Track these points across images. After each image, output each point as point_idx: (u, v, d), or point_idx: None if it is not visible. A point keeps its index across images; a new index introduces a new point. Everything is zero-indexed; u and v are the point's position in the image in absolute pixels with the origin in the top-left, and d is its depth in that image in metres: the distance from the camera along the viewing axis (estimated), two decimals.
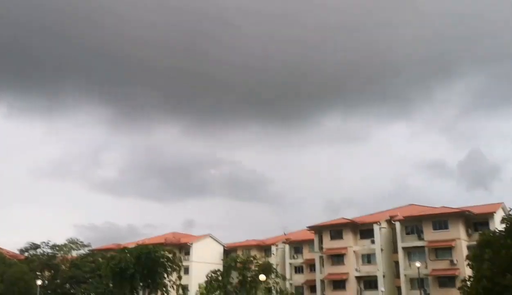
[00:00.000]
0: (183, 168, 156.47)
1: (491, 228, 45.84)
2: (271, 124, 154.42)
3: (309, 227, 65.65)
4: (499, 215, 46.31)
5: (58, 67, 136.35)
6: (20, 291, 49.38)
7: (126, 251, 49.18)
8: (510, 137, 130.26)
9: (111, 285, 49.82)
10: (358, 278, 59.95)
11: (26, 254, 69.11)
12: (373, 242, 59.75)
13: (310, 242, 67.57)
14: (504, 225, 21.44)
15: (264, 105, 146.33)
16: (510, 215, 21.49)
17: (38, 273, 62.23)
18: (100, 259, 64.07)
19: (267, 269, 52.97)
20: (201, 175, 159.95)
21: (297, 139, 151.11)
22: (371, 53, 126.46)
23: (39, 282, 34.71)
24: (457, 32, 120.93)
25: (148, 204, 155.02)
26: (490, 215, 54.02)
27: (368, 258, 60.58)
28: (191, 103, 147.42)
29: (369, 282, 59.29)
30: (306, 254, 69.17)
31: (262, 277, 44.42)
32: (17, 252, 71.21)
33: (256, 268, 52.58)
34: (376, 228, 59.84)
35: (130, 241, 76.73)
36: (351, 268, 60.00)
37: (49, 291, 61.29)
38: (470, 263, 21.71)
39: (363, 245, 60.84)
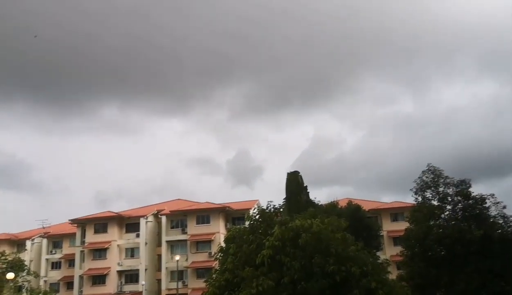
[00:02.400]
0: None
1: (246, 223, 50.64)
2: (41, 106, 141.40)
3: (71, 220, 61.98)
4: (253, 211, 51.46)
5: None
6: None
7: None
8: (272, 142, 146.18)
9: None
10: (120, 272, 59.23)
11: None
12: (138, 235, 59.81)
13: (72, 236, 63.93)
14: (248, 222, 23.59)
15: (34, 86, 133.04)
16: (253, 213, 23.78)
17: None
18: None
19: (17, 265, 47.99)
20: None
21: (69, 126, 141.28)
22: (152, 44, 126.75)
23: None
24: (240, 37, 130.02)
25: None
26: (247, 211, 59.33)
27: (132, 252, 60.34)
28: None
29: (131, 275, 59.08)
30: (66, 249, 65.18)
31: (10, 275, 39.92)
32: None
33: (4, 266, 47.19)
34: (142, 221, 60.03)
35: None
36: (114, 262, 58.91)
37: None
38: (218, 256, 23.26)
39: (128, 239, 60.40)
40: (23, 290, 54.13)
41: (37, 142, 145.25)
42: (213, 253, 56.03)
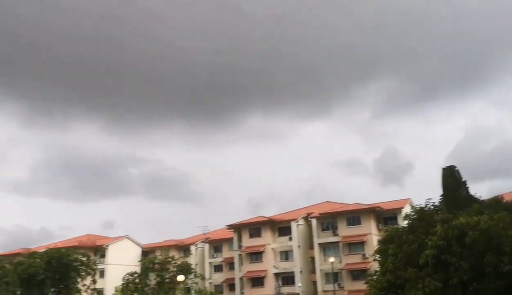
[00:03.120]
0: (101, 167, 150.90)
1: (399, 222, 48.91)
2: (194, 122, 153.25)
3: (228, 225, 66.09)
4: (407, 210, 49.48)
5: None
6: None
7: (36, 255, 46.55)
8: (420, 137, 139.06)
9: (18, 292, 46.92)
10: (276, 275, 61.30)
11: None
12: (290, 239, 61.36)
13: (229, 241, 68.07)
14: (406, 221, 22.87)
15: (187, 103, 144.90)
16: (411, 212, 22.99)
17: None
18: (6, 265, 60.12)
19: (185, 269, 52.63)
20: (120, 174, 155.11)
21: (220, 137, 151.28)
22: (295, 51, 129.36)
23: None
24: (377, 33, 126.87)
25: (63, 205, 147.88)
26: (398, 210, 57.35)
27: (286, 255, 62.10)
28: (111, 99, 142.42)
29: (287, 278, 60.81)
30: (226, 253, 69.59)
31: (180, 277, 43.96)
32: None
33: (175, 269, 51.99)
34: (293, 225, 61.50)
35: (42, 244, 72.77)
36: (270, 265, 61.21)
37: None
38: (376, 257, 22.94)
39: (281, 242, 62.29)
40: (192, 291, 59.15)
41: (194, 156, 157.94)
42: (366, 255, 55.30)
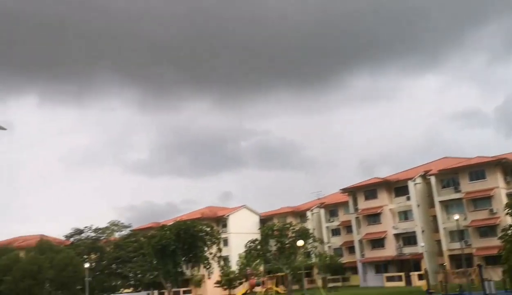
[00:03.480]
0: (213, 142, 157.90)
1: None
2: (298, 89, 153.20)
3: (342, 189, 65.75)
4: None
5: (86, 52, 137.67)
6: (69, 275, 51.48)
7: (165, 228, 50.39)
8: None
9: (154, 262, 51.37)
10: (397, 235, 59.97)
11: (71, 239, 71.75)
12: (408, 198, 59.42)
13: (345, 204, 67.81)
14: None
15: (290, 70, 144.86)
16: None
17: (85, 256, 64.70)
18: (142, 238, 66.00)
19: (304, 234, 53.41)
20: (232, 147, 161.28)
21: (326, 102, 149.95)
22: (396, 2, 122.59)
23: (86, 265, 36.16)
24: None
25: (183, 181, 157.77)
26: None
27: (405, 215, 60.41)
28: (217, 76, 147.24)
29: (408, 238, 59.24)
30: (342, 216, 69.60)
31: (300, 242, 44.88)
32: (63, 239, 74.00)
33: (293, 234, 53.04)
34: (410, 184, 59.38)
35: (169, 218, 78.70)
36: (389, 226, 60.04)
37: (97, 273, 63.71)
38: (509, 211, 21.32)
39: (399, 203, 60.59)
40: (312, 255, 60.22)
41: (302, 123, 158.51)
42: (494, 210, 51.82)
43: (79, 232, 71.68)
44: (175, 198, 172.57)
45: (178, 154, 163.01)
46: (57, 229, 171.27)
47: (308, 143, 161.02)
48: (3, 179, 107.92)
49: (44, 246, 55.94)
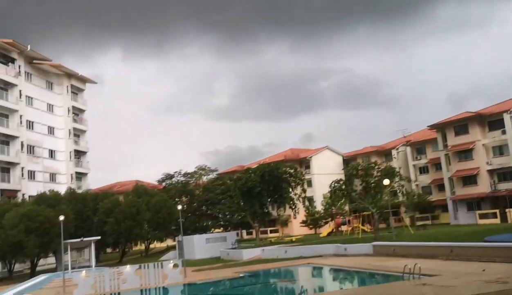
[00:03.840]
0: (294, 84, 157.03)
1: None
2: (377, 25, 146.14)
3: (430, 126, 62.97)
4: None
5: (163, 2, 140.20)
6: (164, 216, 55.11)
7: (250, 171, 51.58)
8: None
9: (241, 203, 53.19)
10: (491, 172, 56.95)
11: (163, 184, 76.15)
12: (504, 132, 55.70)
13: (433, 141, 65.19)
14: None
15: (367, 5, 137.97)
16: None
17: (176, 199, 68.64)
18: (228, 181, 68.46)
19: (390, 173, 52.09)
20: (312, 88, 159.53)
21: (408, 35, 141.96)
22: None
23: (179, 207, 38.28)
24: None
25: (265, 124, 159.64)
26: None
27: (499, 150, 56.93)
28: (295, 17, 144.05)
29: (504, 174, 56.06)
30: (430, 154, 67.13)
31: (386, 181, 43.96)
32: (156, 183, 78.71)
33: (379, 174, 52.06)
34: (506, 117, 55.44)
35: (252, 161, 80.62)
36: (482, 162, 57.05)
37: (188, 214, 67.56)
38: None
39: (493, 137, 57.06)
40: (399, 193, 59.13)
41: (383, 59, 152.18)
42: None
43: (170, 176, 75.83)
44: (257, 141, 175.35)
45: (259, 97, 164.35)
46: (150, 174, 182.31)
47: (392, 79, 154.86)
48: (98, 130, 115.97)
49: (140, 190, 59.98)
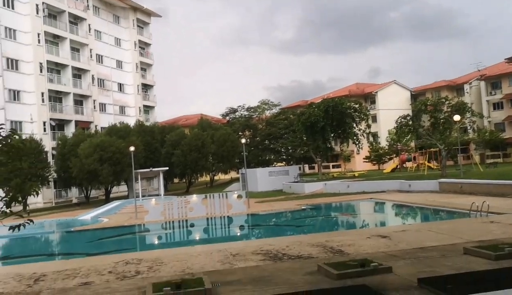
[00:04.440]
0: (361, 15, 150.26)
1: None
2: None
3: (508, 58, 58.71)
4: None
5: None
6: (228, 149, 56.41)
7: (314, 106, 50.99)
8: None
9: (304, 138, 53.16)
10: None
11: (227, 118, 77.35)
12: None
13: (509, 76, 60.98)
14: None
15: None
16: None
17: (240, 133, 69.77)
18: (291, 116, 68.33)
19: (461, 108, 49.71)
20: (380, 19, 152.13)
21: None
22: None
23: (243, 141, 38.90)
24: None
25: (329, 57, 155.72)
26: None
27: None
28: None
29: None
30: (506, 89, 63.04)
31: (456, 117, 42.09)
32: (220, 117, 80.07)
33: (449, 109, 49.82)
34: None
35: (316, 96, 79.58)
36: None
37: (251, 148, 68.68)
38: None
39: None
40: (469, 130, 56.59)
41: None
42: None
43: (233, 111, 76.76)
44: (321, 76, 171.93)
45: (324, 30, 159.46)
46: (214, 109, 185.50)
47: (467, 8, 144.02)
48: (164, 65, 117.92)
49: (204, 124, 61.39)
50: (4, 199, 6.67)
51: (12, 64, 49.97)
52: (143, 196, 42.61)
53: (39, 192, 7.26)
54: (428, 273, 8.90)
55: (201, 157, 52.64)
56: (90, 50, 60.45)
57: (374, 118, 68.92)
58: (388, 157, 64.98)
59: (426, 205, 25.22)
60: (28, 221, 6.77)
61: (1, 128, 6.80)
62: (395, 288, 8.08)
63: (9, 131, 6.80)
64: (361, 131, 50.98)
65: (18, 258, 19.78)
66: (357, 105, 51.79)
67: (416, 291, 7.84)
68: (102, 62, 63.19)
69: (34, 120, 50.97)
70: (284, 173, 51.43)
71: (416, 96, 71.83)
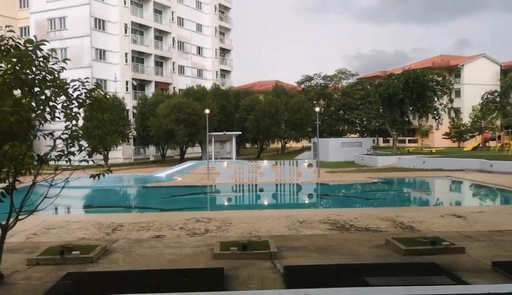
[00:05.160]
0: None
1: None
2: None
3: None
4: None
5: None
6: (301, 117, 56.15)
7: (393, 77, 49.10)
8: None
9: (381, 110, 51.60)
10: None
11: (302, 86, 76.68)
12: None
13: None
14: None
15: None
16: None
17: (314, 102, 69.02)
18: (368, 87, 66.45)
19: None
20: None
21: None
22: None
23: (317, 110, 38.39)
24: None
25: (414, 27, 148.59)
26: None
27: None
28: None
29: None
30: None
31: None
32: (295, 84, 79.54)
33: None
34: None
35: (396, 67, 76.61)
36: None
37: (325, 117, 67.87)
38: None
39: None
40: None
41: None
42: None
43: (309, 79, 75.93)
44: (404, 46, 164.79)
45: None
46: (289, 76, 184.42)
47: None
48: (242, 30, 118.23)
49: (279, 90, 61.31)
50: (87, 148, 7.12)
51: (100, 24, 52.30)
52: (215, 158, 43.69)
53: (120, 146, 7.67)
54: (504, 257, 8.44)
55: (274, 124, 52.83)
56: (172, 12, 61.79)
57: (458, 93, 65.33)
58: (470, 134, 61.58)
59: (508, 187, 23.76)
60: (107, 171, 7.20)
61: (87, 81, 7.18)
62: (467, 269, 7.75)
63: (94, 85, 7.17)
64: (442, 106, 48.63)
65: (98, 207, 21.18)
66: (440, 78, 49.30)
67: (489, 274, 7.48)
68: (182, 25, 64.49)
69: (117, 80, 53.41)
70: (357, 145, 50.45)
71: (506, 71, 67.04)
